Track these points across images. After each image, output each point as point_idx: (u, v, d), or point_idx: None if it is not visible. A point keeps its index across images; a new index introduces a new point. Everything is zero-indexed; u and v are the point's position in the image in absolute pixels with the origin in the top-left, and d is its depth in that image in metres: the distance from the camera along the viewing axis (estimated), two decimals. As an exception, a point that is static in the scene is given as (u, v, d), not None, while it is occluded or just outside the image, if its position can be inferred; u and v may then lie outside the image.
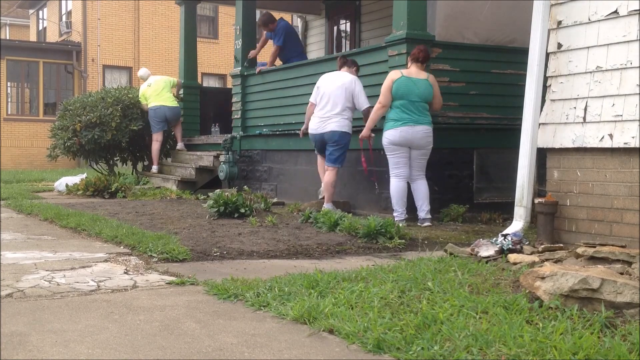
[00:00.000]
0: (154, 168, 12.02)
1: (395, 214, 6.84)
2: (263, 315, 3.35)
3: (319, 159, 7.95)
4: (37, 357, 2.67)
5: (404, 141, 6.81)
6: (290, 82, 9.59)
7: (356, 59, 8.17)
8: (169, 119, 11.82)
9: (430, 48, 7.34)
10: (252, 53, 10.75)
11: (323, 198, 7.76)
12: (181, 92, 12.66)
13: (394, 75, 6.87)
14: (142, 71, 12.51)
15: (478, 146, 7.68)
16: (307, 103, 9.02)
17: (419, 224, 6.83)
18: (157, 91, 11.78)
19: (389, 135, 6.84)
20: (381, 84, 7.57)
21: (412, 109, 6.79)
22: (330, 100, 7.50)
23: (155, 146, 11.92)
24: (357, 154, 8.07)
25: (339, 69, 7.77)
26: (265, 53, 11.51)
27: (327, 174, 7.63)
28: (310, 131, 7.78)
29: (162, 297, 3.74)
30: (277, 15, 11.37)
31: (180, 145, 12.20)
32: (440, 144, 7.42)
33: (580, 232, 4.83)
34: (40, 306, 3.49)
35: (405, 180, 6.91)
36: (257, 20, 11.04)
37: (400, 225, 6.20)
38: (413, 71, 6.87)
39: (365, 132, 7.08)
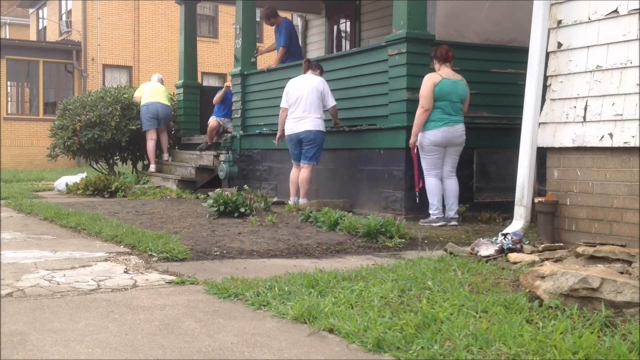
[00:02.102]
0: (152, 167, 12.02)
1: (434, 212, 6.88)
2: (263, 315, 3.35)
3: (294, 169, 8.23)
4: (37, 356, 2.67)
5: (445, 141, 6.89)
6: (290, 82, 9.57)
7: (356, 58, 8.19)
8: (160, 117, 11.81)
9: (430, 47, 7.35)
10: (260, 50, 11.01)
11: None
12: (180, 90, 12.66)
13: (434, 78, 6.85)
14: (155, 76, 12.60)
15: (478, 146, 7.68)
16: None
17: (444, 222, 6.87)
18: (153, 91, 11.87)
19: (431, 135, 6.86)
20: (380, 84, 7.60)
21: (450, 110, 6.88)
22: (303, 101, 7.90)
23: (150, 145, 11.90)
24: (357, 154, 8.08)
25: (305, 72, 8.19)
26: (268, 58, 11.57)
27: (303, 171, 8.05)
28: (286, 132, 8.13)
29: (162, 296, 3.74)
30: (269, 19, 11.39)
31: (165, 156, 12.16)
32: (440, 143, 7.43)
33: (580, 231, 4.83)
34: (40, 305, 3.49)
35: (440, 179, 6.99)
36: (257, 19, 11.06)
37: (437, 224, 6.65)
38: (449, 73, 6.93)
39: (412, 138, 6.96)
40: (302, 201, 8.02)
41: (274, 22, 10.46)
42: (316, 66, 8.22)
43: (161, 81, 12.39)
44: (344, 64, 8.42)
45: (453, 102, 6.89)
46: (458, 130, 6.94)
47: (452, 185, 7.01)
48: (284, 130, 8.19)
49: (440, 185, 6.97)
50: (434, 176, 6.95)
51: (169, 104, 11.95)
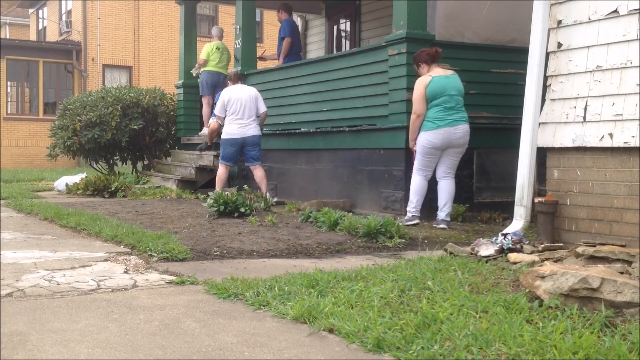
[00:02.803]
0: (204, 130, 11.78)
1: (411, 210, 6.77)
2: (263, 315, 3.35)
3: (222, 168, 9.05)
4: (37, 356, 2.67)
5: (445, 142, 6.59)
6: (289, 82, 9.59)
7: (356, 58, 8.21)
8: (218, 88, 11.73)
9: (430, 47, 7.35)
10: (265, 56, 11.50)
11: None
12: (180, 90, 12.64)
13: (424, 80, 6.62)
14: (215, 30, 12.37)
15: (478, 146, 7.67)
16: (307, 102, 9.06)
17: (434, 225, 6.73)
18: (220, 57, 11.77)
19: (429, 136, 6.60)
20: (381, 84, 7.61)
21: (450, 105, 6.57)
22: (247, 109, 8.83)
23: (206, 110, 11.78)
24: (357, 154, 8.08)
25: (234, 84, 9.13)
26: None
27: (258, 171, 8.96)
28: (230, 136, 8.89)
29: (162, 296, 3.74)
30: (276, 14, 11.47)
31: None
32: (440, 143, 7.42)
33: (580, 231, 4.83)
34: (40, 305, 3.49)
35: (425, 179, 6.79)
36: (257, 19, 11.15)
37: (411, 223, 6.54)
38: (440, 71, 6.70)
39: (411, 143, 6.84)
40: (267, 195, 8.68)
41: (280, 17, 10.95)
42: (244, 77, 9.53)
43: (221, 34, 12.17)
44: (344, 64, 8.42)
45: (452, 96, 6.60)
46: (460, 131, 6.60)
47: (448, 186, 6.75)
48: (215, 136, 9.40)
49: (423, 185, 6.74)
50: (424, 177, 6.74)
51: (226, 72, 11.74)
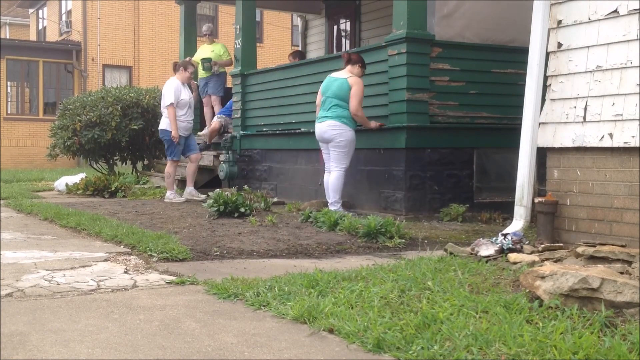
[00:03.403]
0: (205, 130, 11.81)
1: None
2: (263, 315, 3.35)
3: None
4: (37, 356, 2.67)
5: (318, 137, 7.42)
6: (289, 82, 9.59)
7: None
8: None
9: (430, 47, 7.37)
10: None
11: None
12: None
13: None
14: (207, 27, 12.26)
15: (478, 146, 7.68)
16: (307, 102, 9.09)
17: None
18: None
19: None
20: (380, 84, 7.62)
21: (324, 106, 7.32)
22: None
23: (207, 110, 11.91)
24: (356, 154, 8.06)
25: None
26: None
27: (167, 165, 9.29)
28: None
29: (162, 296, 3.74)
30: (277, 14, 11.43)
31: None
32: (440, 143, 7.43)
33: (580, 231, 4.83)
34: (40, 306, 3.49)
35: (328, 173, 7.43)
36: (257, 19, 11.09)
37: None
38: (340, 73, 7.37)
39: None
40: (168, 194, 9.10)
41: None
42: (182, 67, 9.28)
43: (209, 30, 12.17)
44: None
45: (327, 98, 7.29)
46: (323, 126, 7.28)
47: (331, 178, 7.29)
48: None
49: (326, 179, 7.40)
50: (325, 170, 7.47)
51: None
